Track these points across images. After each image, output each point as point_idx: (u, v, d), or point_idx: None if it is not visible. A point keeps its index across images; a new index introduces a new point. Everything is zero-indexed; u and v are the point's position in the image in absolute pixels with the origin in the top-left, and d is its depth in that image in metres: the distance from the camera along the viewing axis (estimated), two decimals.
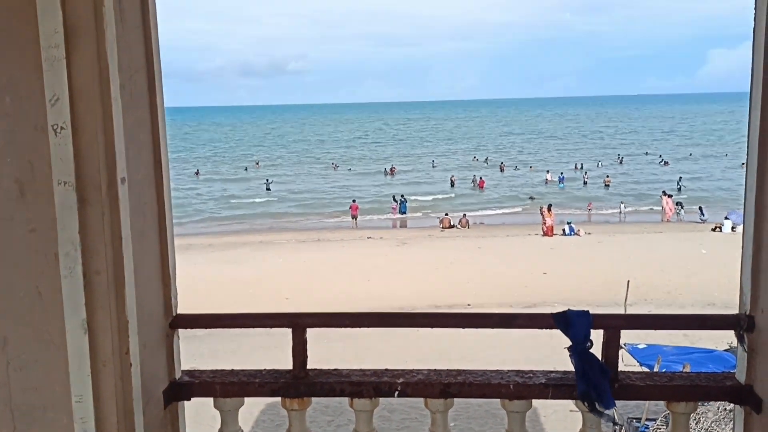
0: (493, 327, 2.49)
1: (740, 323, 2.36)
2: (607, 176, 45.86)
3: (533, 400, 2.46)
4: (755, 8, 2.34)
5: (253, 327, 2.58)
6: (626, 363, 9.69)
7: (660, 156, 59.93)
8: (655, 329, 2.93)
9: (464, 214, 33.17)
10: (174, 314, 2.48)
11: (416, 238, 27.96)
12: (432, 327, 2.49)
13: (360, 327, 2.49)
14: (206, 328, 2.56)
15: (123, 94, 2.08)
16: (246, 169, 59.26)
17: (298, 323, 2.44)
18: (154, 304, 2.36)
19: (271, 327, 2.52)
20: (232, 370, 2.57)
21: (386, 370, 2.49)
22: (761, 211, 2.27)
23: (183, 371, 2.57)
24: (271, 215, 38.03)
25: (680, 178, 43.00)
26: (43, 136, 1.95)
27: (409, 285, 18.86)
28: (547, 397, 2.41)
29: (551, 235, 27.25)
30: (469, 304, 16.84)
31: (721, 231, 27.25)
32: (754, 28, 2.34)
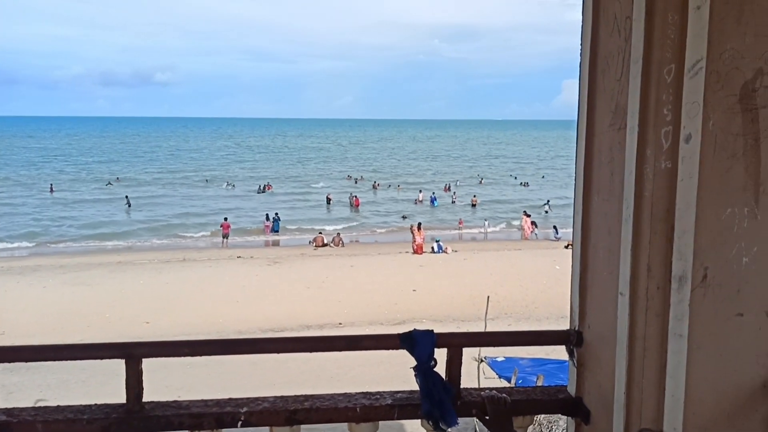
0: (340, 350, 2.47)
1: (570, 338, 2.52)
2: (474, 196, 48.08)
3: (380, 422, 2.46)
4: (581, 45, 2.54)
5: (83, 359, 2.38)
6: (487, 376, 10.09)
7: (516, 177, 64.48)
8: (494, 346, 3.07)
9: (338, 233, 33.28)
10: None
11: (288, 257, 27.60)
12: (277, 352, 2.42)
13: (200, 355, 2.37)
14: (27, 361, 2.32)
15: None
16: (108, 184, 55.67)
17: (132, 354, 2.28)
18: None
19: (103, 358, 2.33)
20: (58, 406, 2.34)
21: (230, 399, 2.38)
22: (586, 233, 2.44)
23: (0, 410, 2.32)
24: (131, 234, 35.85)
25: (548, 201, 45.76)
26: None
27: (280, 305, 18.53)
28: (393, 418, 2.42)
29: (421, 253, 28.02)
30: (340, 323, 16.82)
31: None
32: (580, 63, 2.54)
